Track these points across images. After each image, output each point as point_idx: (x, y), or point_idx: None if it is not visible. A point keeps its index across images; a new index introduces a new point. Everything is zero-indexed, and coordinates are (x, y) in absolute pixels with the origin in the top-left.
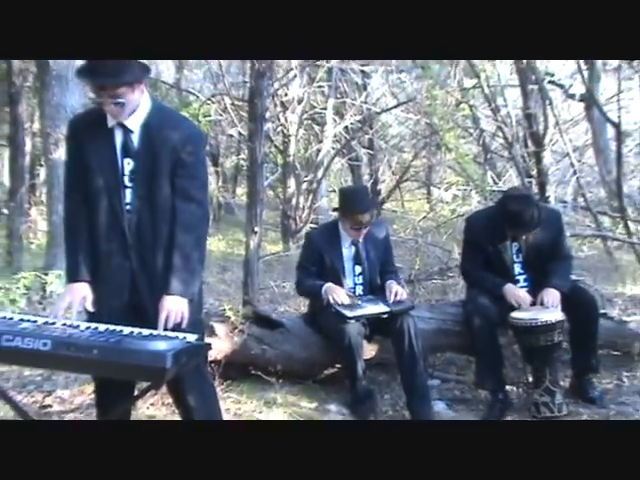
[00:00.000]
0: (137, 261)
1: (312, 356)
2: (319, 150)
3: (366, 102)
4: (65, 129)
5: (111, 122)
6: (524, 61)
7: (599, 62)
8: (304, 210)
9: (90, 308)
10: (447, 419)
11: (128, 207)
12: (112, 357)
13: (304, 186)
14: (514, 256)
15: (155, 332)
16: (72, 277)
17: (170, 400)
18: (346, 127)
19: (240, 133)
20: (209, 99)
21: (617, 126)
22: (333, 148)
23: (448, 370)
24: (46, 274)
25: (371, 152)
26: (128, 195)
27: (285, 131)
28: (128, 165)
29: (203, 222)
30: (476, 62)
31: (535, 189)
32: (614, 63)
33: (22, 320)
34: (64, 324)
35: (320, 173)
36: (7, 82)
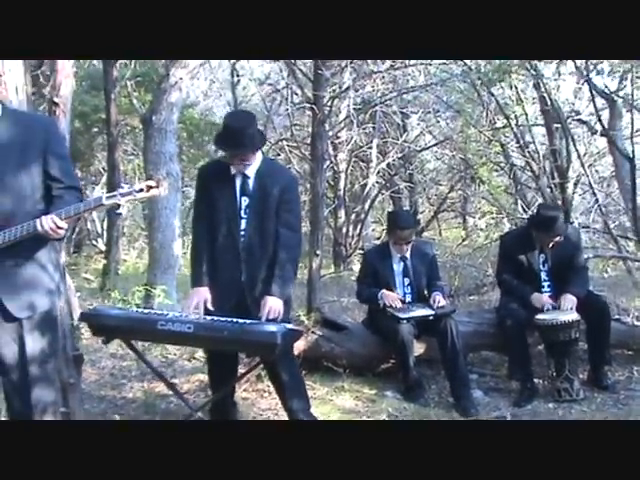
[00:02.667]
0: (246, 273)
1: (370, 352)
2: (365, 185)
3: (406, 141)
4: (165, 170)
5: (233, 171)
6: (549, 102)
7: (620, 100)
8: (353, 238)
9: (209, 307)
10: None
11: (242, 232)
12: (238, 336)
13: (352, 217)
14: (541, 265)
15: (263, 321)
16: (197, 283)
17: (258, 387)
18: (388, 164)
19: (297, 171)
20: (275, 144)
21: (631, 160)
22: (377, 182)
23: (484, 367)
24: (154, 288)
25: (411, 185)
26: (243, 224)
27: (336, 168)
28: (244, 202)
29: (298, 244)
30: (505, 104)
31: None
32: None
33: (167, 313)
34: (197, 316)
35: (367, 205)
36: (106, 132)
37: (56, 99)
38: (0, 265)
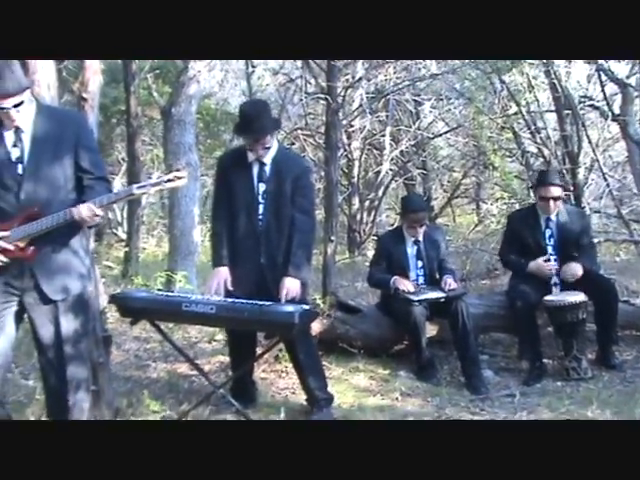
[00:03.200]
0: (265, 254)
1: (384, 334)
2: (379, 172)
3: (419, 128)
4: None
5: (251, 158)
6: (559, 89)
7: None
8: (367, 225)
9: (229, 287)
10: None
11: (260, 217)
12: (258, 316)
13: (366, 204)
14: (547, 240)
15: (281, 303)
16: (217, 263)
17: (276, 367)
18: (402, 151)
19: (311, 159)
20: (289, 133)
21: (639, 144)
22: (391, 170)
23: (495, 348)
24: (175, 274)
25: (424, 172)
26: (261, 208)
27: (350, 156)
28: (262, 188)
29: (313, 228)
30: (517, 91)
31: (572, 201)
32: None
33: (190, 295)
34: (219, 298)
35: (380, 192)
36: (126, 123)
37: (85, 95)
38: (37, 251)
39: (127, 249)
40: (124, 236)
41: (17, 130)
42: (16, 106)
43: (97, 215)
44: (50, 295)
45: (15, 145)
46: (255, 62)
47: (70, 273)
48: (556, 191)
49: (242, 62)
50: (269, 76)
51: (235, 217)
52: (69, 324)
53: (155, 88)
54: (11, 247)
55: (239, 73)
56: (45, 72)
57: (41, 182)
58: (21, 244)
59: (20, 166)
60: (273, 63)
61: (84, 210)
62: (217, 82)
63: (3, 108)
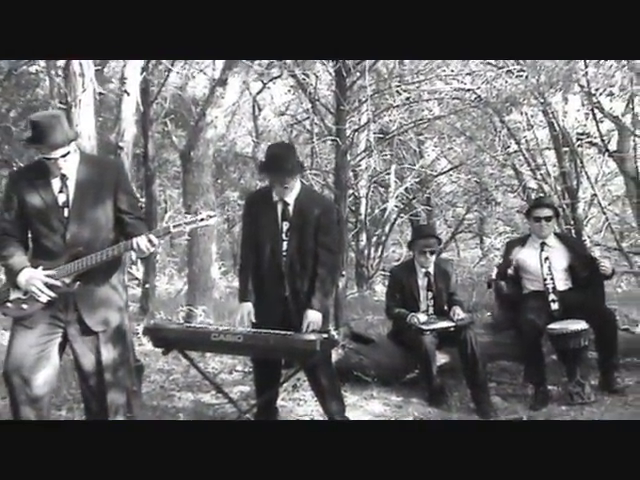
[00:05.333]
0: (289, 288)
1: (396, 363)
2: (385, 209)
3: (422, 166)
4: (202, 201)
5: (275, 198)
6: (557, 127)
7: (628, 121)
8: (374, 260)
9: (253, 319)
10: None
11: (284, 253)
12: (282, 344)
13: (374, 240)
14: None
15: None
16: (243, 298)
17: (294, 395)
18: (406, 188)
19: None
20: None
21: (634, 179)
22: (396, 206)
23: (502, 375)
24: (196, 308)
25: (429, 208)
26: (284, 245)
27: (356, 194)
28: (285, 226)
29: (335, 263)
30: (516, 128)
31: (573, 234)
32: None
33: (218, 326)
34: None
35: (387, 228)
36: (144, 167)
37: (121, 144)
38: (81, 286)
39: (147, 286)
40: (138, 274)
41: (63, 177)
42: (63, 156)
43: (154, 245)
44: (92, 327)
45: (61, 191)
46: (261, 104)
47: (110, 306)
48: None
49: (250, 104)
50: (275, 116)
51: (260, 253)
52: (109, 353)
53: (169, 130)
54: (59, 283)
55: (247, 115)
56: (86, 124)
57: (85, 224)
58: (67, 280)
59: (66, 210)
60: (279, 102)
61: (142, 241)
62: (225, 124)
63: (51, 158)
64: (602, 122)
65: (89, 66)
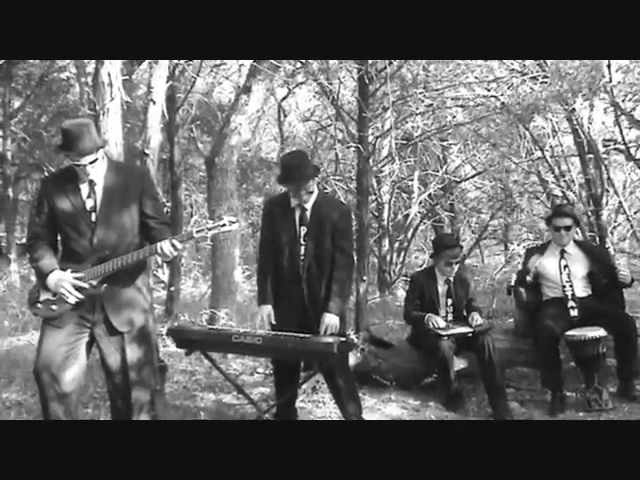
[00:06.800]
0: (307, 291)
1: (414, 367)
2: (408, 215)
3: (446, 172)
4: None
5: (293, 203)
6: (581, 134)
7: None
8: (397, 265)
9: (273, 322)
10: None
11: (302, 257)
12: (301, 346)
13: (396, 245)
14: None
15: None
16: (262, 301)
17: (314, 398)
18: (430, 194)
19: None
20: (322, 180)
21: None
22: (419, 212)
23: (521, 382)
24: (219, 311)
25: (452, 215)
26: (302, 249)
27: (379, 200)
28: (303, 230)
29: (351, 266)
30: (540, 135)
31: (597, 241)
32: None
33: (239, 329)
34: (264, 331)
35: (409, 234)
36: (170, 172)
37: (147, 151)
38: (107, 288)
39: (172, 289)
40: (163, 277)
41: (91, 183)
42: (91, 163)
43: (177, 250)
44: (118, 327)
45: (89, 196)
46: (287, 110)
47: (135, 308)
48: None
49: (275, 109)
50: (299, 122)
51: (279, 258)
52: (134, 353)
53: (194, 136)
54: (86, 285)
55: (272, 120)
56: (113, 132)
57: (111, 228)
58: (94, 282)
59: (93, 215)
60: (303, 108)
61: (166, 246)
62: (250, 129)
63: (80, 164)
64: (629, 129)
65: (117, 76)
